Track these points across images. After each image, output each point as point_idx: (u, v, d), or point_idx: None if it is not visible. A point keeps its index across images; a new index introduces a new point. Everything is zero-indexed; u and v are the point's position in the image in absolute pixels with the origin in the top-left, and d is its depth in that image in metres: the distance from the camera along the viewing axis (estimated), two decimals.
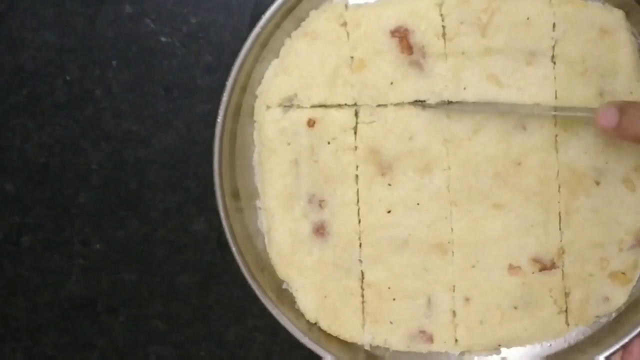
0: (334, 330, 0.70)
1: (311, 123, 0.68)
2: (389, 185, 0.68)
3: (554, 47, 0.66)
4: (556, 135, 0.67)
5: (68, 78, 0.74)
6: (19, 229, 0.76)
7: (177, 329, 0.76)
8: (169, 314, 0.76)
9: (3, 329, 0.77)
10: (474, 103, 0.67)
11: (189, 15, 0.73)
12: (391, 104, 0.68)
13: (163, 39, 0.73)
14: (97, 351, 0.76)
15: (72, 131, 0.75)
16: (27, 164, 0.75)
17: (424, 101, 0.67)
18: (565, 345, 0.70)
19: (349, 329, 0.70)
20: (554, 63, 0.67)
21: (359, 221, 0.69)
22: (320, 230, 0.69)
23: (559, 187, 0.67)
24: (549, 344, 0.70)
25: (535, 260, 0.68)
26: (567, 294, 0.68)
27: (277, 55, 0.68)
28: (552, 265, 0.68)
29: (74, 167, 0.75)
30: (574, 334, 0.70)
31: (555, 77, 0.67)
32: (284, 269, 0.70)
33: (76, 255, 0.76)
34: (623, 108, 0.60)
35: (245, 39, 0.66)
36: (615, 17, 0.66)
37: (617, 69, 0.66)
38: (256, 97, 0.69)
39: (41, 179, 0.75)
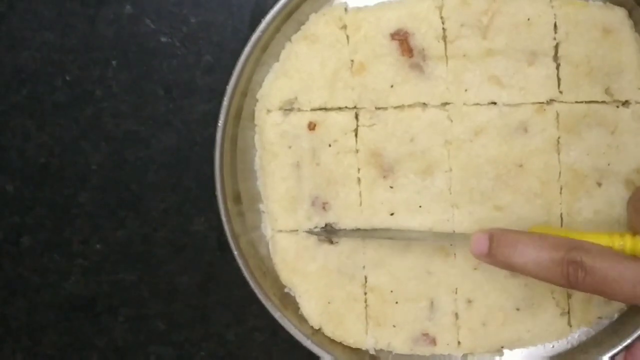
0: (337, 335, 0.72)
1: (312, 126, 0.69)
2: (391, 187, 0.69)
3: (557, 48, 0.68)
4: (558, 137, 0.68)
5: (68, 78, 0.75)
6: (19, 229, 0.77)
7: (177, 329, 0.77)
8: (169, 314, 0.77)
9: (3, 329, 0.78)
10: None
11: (189, 15, 0.74)
12: (391, 106, 0.69)
13: (163, 39, 0.74)
14: (97, 351, 0.78)
15: (72, 131, 0.76)
16: (27, 164, 0.76)
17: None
18: (568, 346, 0.72)
19: (353, 334, 0.71)
20: (559, 64, 0.68)
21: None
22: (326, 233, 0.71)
23: (561, 188, 0.69)
24: (551, 345, 0.72)
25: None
26: (569, 296, 0.70)
27: (277, 59, 0.70)
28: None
29: (74, 167, 0.76)
30: (577, 335, 0.71)
31: (560, 79, 0.68)
32: (287, 275, 0.72)
33: (76, 255, 0.77)
34: (493, 235, 0.62)
35: (245, 39, 0.67)
36: (618, 16, 0.68)
37: (622, 67, 0.68)
38: (257, 100, 0.70)
39: (41, 179, 0.76)
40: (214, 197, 0.69)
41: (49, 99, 0.76)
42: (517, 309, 0.70)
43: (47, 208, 0.77)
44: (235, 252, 0.69)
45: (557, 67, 0.69)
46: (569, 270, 0.59)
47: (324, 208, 0.71)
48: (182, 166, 0.76)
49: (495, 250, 0.62)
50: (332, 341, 0.72)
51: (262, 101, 0.70)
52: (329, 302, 0.71)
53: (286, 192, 0.71)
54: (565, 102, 0.69)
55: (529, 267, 0.60)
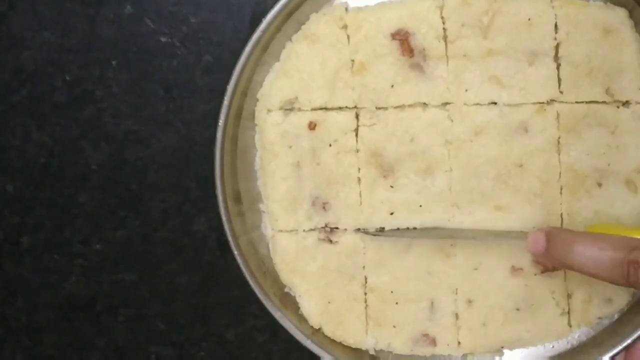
0: (337, 335, 0.72)
1: (312, 126, 0.69)
2: (391, 187, 0.70)
3: (557, 48, 0.68)
4: (559, 137, 0.69)
5: (68, 78, 0.75)
6: (19, 229, 0.77)
7: (177, 329, 0.77)
8: (169, 314, 0.77)
9: (3, 329, 0.78)
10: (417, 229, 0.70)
11: (189, 15, 0.74)
12: (392, 106, 0.69)
13: (163, 39, 0.74)
14: (97, 351, 0.78)
15: (72, 131, 0.76)
16: (27, 164, 0.76)
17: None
18: (568, 346, 0.72)
19: (353, 334, 0.72)
20: (559, 64, 0.68)
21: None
22: (324, 233, 0.71)
23: (561, 188, 0.69)
24: (551, 346, 0.72)
25: (538, 262, 0.70)
26: (569, 296, 0.70)
27: (277, 59, 0.70)
28: (555, 267, 0.69)
29: (74, 167, 0.76)
30: (577, 335, 0.72)
31: (561, 79, 0.68)
32: (287, 275, 0.72)
33: (76, 255, 0.77)
34: (550, 234, 0.63)
35: (245, 39, 0.68)
36: (618, 16, 0.68)
37: (623, 67, 0.68)
38: (257, 100, 0.70)
39: (41, 179, 0.77)
40: (214, 197, 0.69)
41: (49, 99, 0.76)
42: (517, 309, 0.71)
43: (47, 208, 0.77)
44: (235, 252, 0.69)
45: (558, 67, 0.69)
46: (629, 270, 0.58)
47: (324, 208, 0.71)
48: (182, 166, 0.76)
49: (553, 249, 0.63)
50: (332, 341, 0.72)
51: (262, 101, 0.71)
52: (329, 302, 0.72)
53: (286, 192, 0.71)
54: (566, 102, 0.69)
55: (587, 267, 0.61)
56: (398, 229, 0.70)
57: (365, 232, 0.70)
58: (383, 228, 0.70)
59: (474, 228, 0.70)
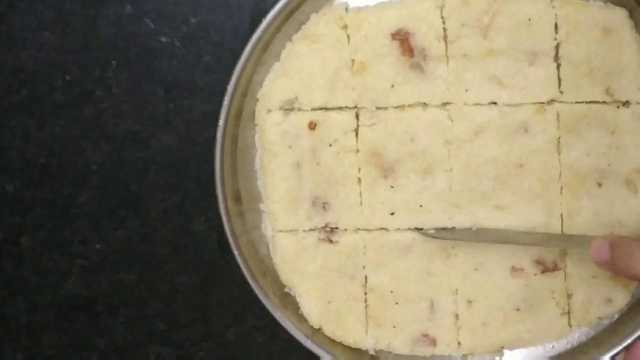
0: (337, 335, 0.72)
1: (312, 126, 0.69)
2: (392, 187, 0.70)
3: (557, 48, 0.68)
4: (559, 137, 0.69)
5: (68, 78, 0.75)
6: (19, 229, 0.77)
7: (177, 329, 0.77)
8: (169, 314, 0.77)
9: (3, 329, 0.78)
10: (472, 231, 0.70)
11: (189, 15, 0.74)
12: (392, 106, 0.69)
13: (163, 39, 0.74)
14: (97, 351, 0.78)
15: (72, 131, 0.76)
16: (27, 164, 0.76)
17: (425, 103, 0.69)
18: (568, 346, 0.72)
19: (353, 334, 0.72)
20: (559, 64, 0.68)
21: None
22: (324, 233, 0.71)
23: (561, 188, 0.69)
24: (551, 346, 0.72)
25: (538, 262, 0.70)
26: (569, 296, 0.70)
27: (278, 59, 0.70)
28: (555, 267, 0.70)
29: (74, 167, 0.76)
30: (577, 336, 0.72)
31: (561, 79, 0.68)
32: (287, 275, 0.72)
33: (76, 255, 0.77)
34: (614, 243, 0.63)
35: (245, 39, 0.68)
36: (618, 16, 0.68)
37: (623, 68, 0.68)
38: (257, 100, 0.71)
39: (41, 179, 0.77)
40: (214, 197, 0.69)
41: (49, 99, 0.76)
42: (517, 309, 0.71)
43: (47, 208, 0.77)
44: (235, 252, 0.69)
45: (558, 67, 0.69)
46: None
47: (324, 208, 0.71)
48: (182, 166, 0.76)
49: (617, 258, 0.63)
50: (332, 341, 0.72)
51: (262, 101, 0.71)
52: (329, 302, 0.72)
53: (286, 192, 0.71)
54: (566, 102, 0.69)
55: None
56: (445, 228, 0.70)
57: (424, 233, 0.70)
58: (441, 228, 0.70)
59: (533, 231, 0.70)
